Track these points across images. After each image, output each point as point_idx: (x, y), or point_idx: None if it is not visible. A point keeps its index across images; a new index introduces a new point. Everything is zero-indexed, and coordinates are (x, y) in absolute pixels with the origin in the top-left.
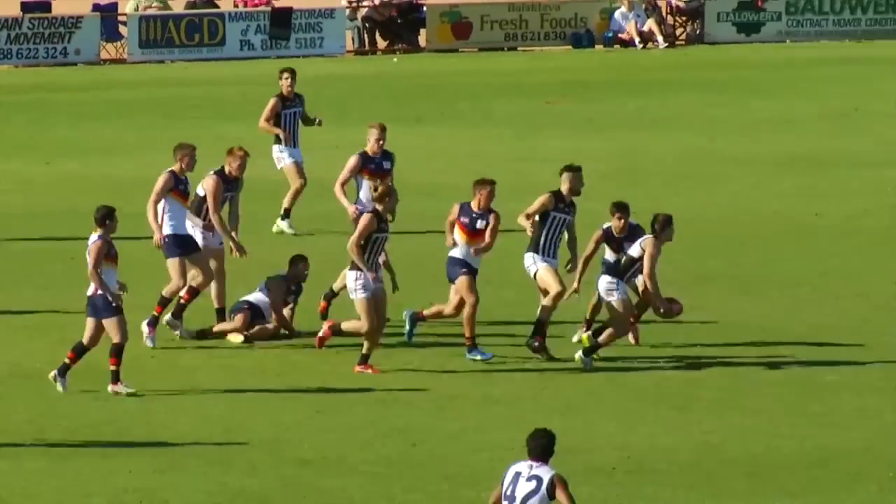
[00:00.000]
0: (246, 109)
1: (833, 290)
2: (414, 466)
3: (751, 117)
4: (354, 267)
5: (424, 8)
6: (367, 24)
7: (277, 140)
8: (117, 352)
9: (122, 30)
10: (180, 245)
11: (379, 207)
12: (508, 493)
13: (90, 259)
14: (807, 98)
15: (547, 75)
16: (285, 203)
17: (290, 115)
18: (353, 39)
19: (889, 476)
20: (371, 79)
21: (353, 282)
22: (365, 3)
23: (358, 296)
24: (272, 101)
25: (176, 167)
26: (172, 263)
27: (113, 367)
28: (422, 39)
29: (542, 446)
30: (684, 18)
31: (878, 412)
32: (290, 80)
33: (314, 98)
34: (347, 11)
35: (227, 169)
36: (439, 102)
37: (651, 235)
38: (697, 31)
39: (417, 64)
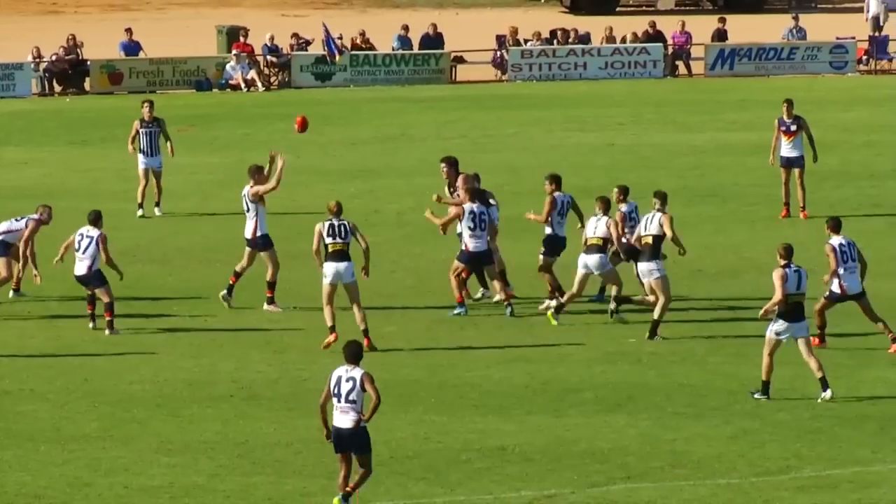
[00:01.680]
0: None
1: (390, 264)
2: (86, 395)
3: (325, 140)
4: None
5: (89, 62)
6: (47, 74)
7: (140, 151)
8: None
9: None
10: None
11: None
12: (336, 391)
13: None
14: (365, 126)
15: (179, 110)
16: (155, 196)
17: (147, 133)
18: (37, 85)
19: None
20: (52, 113)
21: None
22: (45, 59)
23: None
24: (135, 124)
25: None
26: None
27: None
28: (87, 85)
29: (353, 353)
30: (277, 69)
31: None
32: (148, 108)
33: (9, 128)
34: (33, 65)
35: None
36: (100, 130)
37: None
38: (286, 79)
39: (84, 103)
